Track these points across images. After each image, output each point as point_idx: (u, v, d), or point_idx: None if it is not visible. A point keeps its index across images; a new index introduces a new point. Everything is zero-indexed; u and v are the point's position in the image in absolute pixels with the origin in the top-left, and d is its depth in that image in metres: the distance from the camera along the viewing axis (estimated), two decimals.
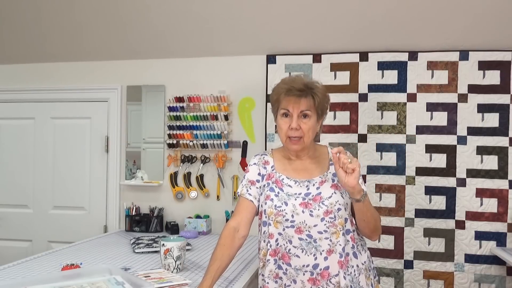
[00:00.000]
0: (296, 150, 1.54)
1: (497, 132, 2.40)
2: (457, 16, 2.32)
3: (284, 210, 1.47)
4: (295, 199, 1.48)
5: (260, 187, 1.57)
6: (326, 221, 1.44)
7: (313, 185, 1.51)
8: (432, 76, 2.47)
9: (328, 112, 1.61)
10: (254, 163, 1.62)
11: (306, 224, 1.44)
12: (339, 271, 1.41)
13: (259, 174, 1.59)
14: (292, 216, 1.46)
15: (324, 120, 1.61)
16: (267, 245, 1.49)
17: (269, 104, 1.82)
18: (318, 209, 1.45)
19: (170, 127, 2.76)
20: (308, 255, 1.42)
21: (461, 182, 2.43)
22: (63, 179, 2.97)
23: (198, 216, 2.71)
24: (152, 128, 2.84)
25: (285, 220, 1.46)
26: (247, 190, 1.57)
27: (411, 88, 2.49)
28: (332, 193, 1.48)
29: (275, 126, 1.64)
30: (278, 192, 1.51)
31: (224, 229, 1.52)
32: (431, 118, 2.47)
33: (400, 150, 2.49)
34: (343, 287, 1.40)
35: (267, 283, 1.48)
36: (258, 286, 1.56)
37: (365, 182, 2.50)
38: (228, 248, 1.48)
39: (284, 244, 1.46)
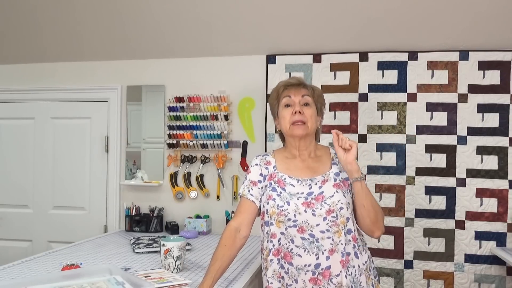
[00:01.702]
0: (300, 135, 1.54)
1: (497, 132, 2.40)
2: (457, 16, 2.32)
3: (287, 209, 1.47)
4: (298, 199, 1.48)
5: (261, 187, 1.58)
6: (328, 220, 1.44)
7: (316, 184, 1.51)
8: (432, 76, 2.47)
9: (324, 112, 1.67)
10: (256, 164, 1.63)
11: (309, 224, 1.45)
12: (341, 271, 1.42)
13: (260, 174, 1.60)
14: (295, 215, 1.46)
15: (322, 121, 1.67)
16: (269, 245, 1.50)
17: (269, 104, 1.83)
18: (321, 208, 1.46)
19: (170, 127, 2.76)
20: (310, 255, 1.43)
21: (461, 182, 2.43)
22: (63, 179, 2.97)
23: (198, 216, 2.71)
24: (152, 128, 2.84)
25: (287, 219, 1.46)
26: (249, 191, 1.57)
27: (411, 88, 2.49)
28: (334, 192, 1.48)
29: (275, 126, 1.65)
30: (280, 192, 1.51)
31: (226, 230, 1.53)
32: (431, 118, 2.47)
33: (400, 150, 2.49)
34: (344, 285, 1.40)
35: (271, 283, 1.48)
36: (260, 285, 1.56)
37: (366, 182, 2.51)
38: (229, 248, 1.49)
39: (286, 244, 1.46)
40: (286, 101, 1.56)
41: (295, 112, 1.52)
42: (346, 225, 1.47)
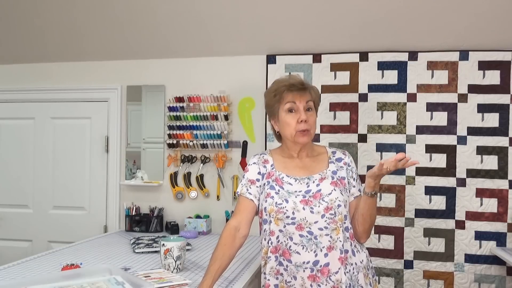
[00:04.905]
0: (304, 143, 1.55)
1: (497, 132, 2.40)
2: (457, 16, 2.32)
3: (285, 207, 1.48)
4: (296, 197, 1.49)
5: (260, 186, 1.58)
6: (326, 217, 1.45)
7: (313, 182, 1.52)
8: (432, 76, 2.47)
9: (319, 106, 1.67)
10: (254, 163, 1.63)
11: (307, 221, 1.45)
12: (339, 268, 1.42)
13: (259, 173, 1.60)
14: (293, 213, 1.47)
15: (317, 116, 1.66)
16: (268, 242, 1.51)
17: None
18: (319, 206, 1.46)
19: (170, 127, 2.76)
20: (308, 252, 1.43)
21: (461, 182, 2.43)
22: (63, 179, 2.97)
23: (198, 216, 2.71)
24: (152, 128, 2.84)
25: (285, 217, 1.47)
26: (247, 189, 1.58)
27: (411, 88, 2.49)
28: (332, 190, 1.49)
29: (272, 125, 1.65)
30: (279, 190, 1.52)
31: (225, 229, 1.53)
32: (431, 118, 2.46)
33: (400, 150, 2.49)
34: (343, 282, 1.41)
35: (268, 280, 1.49)
36: (260, 284, 1.57)
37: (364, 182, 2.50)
38: (229, 248, 1.49)
39: (284, 241, 1.47)
40: (289, 106, 1.53)
41: (301, 121, 1.51)
42: (344, 223, 1.48)
